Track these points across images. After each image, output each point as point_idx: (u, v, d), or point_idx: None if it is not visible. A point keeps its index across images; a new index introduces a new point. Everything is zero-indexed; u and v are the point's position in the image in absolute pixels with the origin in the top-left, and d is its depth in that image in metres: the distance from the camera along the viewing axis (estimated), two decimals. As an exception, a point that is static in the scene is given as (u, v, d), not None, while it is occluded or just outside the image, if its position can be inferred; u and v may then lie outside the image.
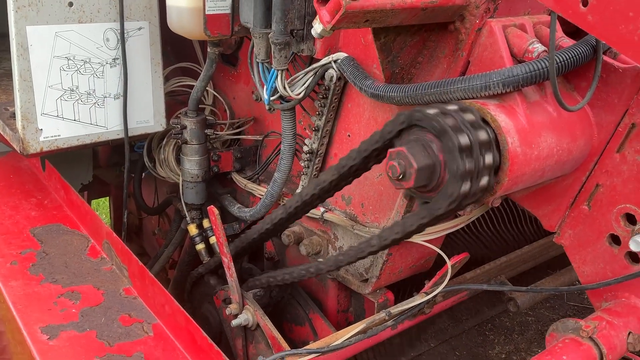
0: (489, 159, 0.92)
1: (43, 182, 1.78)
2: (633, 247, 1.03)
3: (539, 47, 0.99)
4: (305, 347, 1.16)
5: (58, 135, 1.51)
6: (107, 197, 2.95)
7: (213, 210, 1.34)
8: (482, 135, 0.93)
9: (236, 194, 1.80)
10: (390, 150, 0.94)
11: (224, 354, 1.00)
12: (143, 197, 2.14)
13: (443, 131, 0.89)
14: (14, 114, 1.52)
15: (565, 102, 0.98)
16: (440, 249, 1.34)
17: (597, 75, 1.00)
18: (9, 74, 1.94)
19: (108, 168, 2.33)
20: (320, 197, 1.22)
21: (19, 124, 1.46)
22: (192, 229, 1.73)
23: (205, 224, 1.75)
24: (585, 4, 0.83)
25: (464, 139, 0.90)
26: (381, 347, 2.08)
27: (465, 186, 0.91)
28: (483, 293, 2.27)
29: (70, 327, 1.17)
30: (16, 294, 1.25)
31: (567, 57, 0.96)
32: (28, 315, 1.19)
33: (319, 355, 1.18)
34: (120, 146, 2.07)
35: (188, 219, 1.72)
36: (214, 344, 1.04)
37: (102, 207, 4.07)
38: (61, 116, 1.51)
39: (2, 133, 1.58)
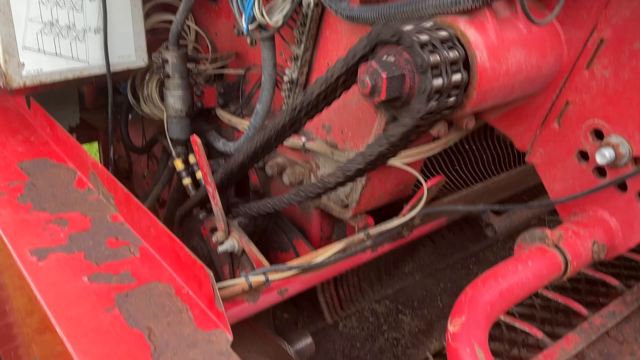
0: (456, 73, 0.95)
1: (29, 120, 1.79)
2: (599, 159, 1.07)
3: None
4: (286, 264, 1.21)
5: (40, 70, 1.52)
6: (96, 142, 2.97)
7: (195, 139, 1.36)
8: (452, 50, 0.95)
9: (221, 129, 1.83)
10: (361, 64, 0.96)
11: (206, 266, 1.05)
12: (130, 139, 2.16)
13: (410, 44, 0.91)
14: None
15: (534, 17, 1.00)
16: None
17: (565, -10, 1.01)
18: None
19: (95, 111, 2.33)
20: (291, 127, 1.25)
21: (0, 58, 1.47)
22: (179, 164, 1.76)
23: (191, 159, 1.78)
24: None
25: (433, 57, 0.92)
26: (367, 280, 2.15)
27: (434, 100, 0.94)
28: (467, 229, 2.33)
29: (58, 250, 1.21)
30: (5, 221, 1.29)
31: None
32: (17, 239, 1.23)
33: (299, 272, 1.23)
34: (105, 88, 2.09)
35: (174, 154, 1.75)
36: (197, 259, 1.08)
37: (91, 152, 4.08)
38: (42, 50, 1.51)
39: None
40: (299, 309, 2.00)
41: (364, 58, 1.00)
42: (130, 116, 2.14)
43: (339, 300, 1.82)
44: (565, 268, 1.04)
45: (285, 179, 1.53)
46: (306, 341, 1.59)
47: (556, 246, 1.04)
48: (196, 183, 1.78)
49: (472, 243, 2.35)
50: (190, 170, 1.77)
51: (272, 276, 1.19)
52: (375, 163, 1.09)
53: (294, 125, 1.25)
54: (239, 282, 1.17)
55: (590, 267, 1.83)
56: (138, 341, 1.00)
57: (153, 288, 1.13)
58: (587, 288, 1.77)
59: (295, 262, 1.24)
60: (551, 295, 1.62)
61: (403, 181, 1.45)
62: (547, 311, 1.76)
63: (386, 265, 2.10)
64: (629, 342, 1.50)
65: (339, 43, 1.34)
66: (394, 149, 1.05)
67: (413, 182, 1.49)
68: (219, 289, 1.17)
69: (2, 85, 1.50)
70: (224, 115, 1.72)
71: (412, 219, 1.39)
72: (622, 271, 1.84)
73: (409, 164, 1.36)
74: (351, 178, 1.15)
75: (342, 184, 1.19)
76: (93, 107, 2.32)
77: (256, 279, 1.17)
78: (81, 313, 1.05)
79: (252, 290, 1.27)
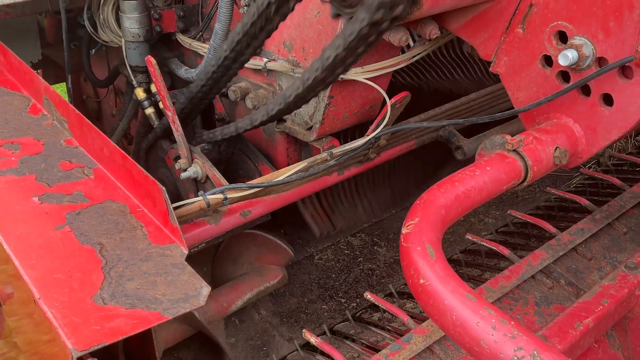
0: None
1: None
2: (562, 61, 1.03)
3: None
4: (246, 183, 1.18)
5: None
6: (64, 84, 2.89)
7: (150, 59, 1.31)
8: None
9: (184, 57, 1.76)
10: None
11: (159, 183, 1.02)
12: (95, 74, 2.09)
13: None
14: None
15: None
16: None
17: None
18: None
19: (57, 45, 2.25)
20: (248, 44, 1.19)
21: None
22: (140, 93, 1.70)
23: (153, 88, 1.72)
24: None
25: None
26: (344, 214, 2.14)
27: (382, 7, 0.89)
28: (439, 155, 2.30)
29: (9, 173, 1.17)
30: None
31: None
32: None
33: (259, 191, 1.20)
34: (68, 19, 2.00)
35: (135, 83, 1.69)
36: (149, 175, 1.04)
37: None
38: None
39: None
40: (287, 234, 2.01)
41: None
42: (93, 50, 2.07)
43: (325, 213, 1.81)
44: (525, 173, 1.02)
45: (249, 102, 1.48)
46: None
47: (515, 151, 1.02)
48: (160, 113, 1.73)
49: (445, 169, 2.31)
50: (152, 100, 1.71)
51: (231, 195, 1.16)
52: (334, 69, 1.05)
53: (252, 42, 1.20)
54: (197, 201, 1.14)
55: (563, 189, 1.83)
56: (89, 256, 0.97)
57: (107, 207, 1.10)
58: (560, 214, 1.77)
59: (255, 182, 1.21)
60: (520, 215, 1.62)
61: (369, 101, 1.41)
62: (521, 237, 1.76)
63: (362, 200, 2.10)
64: (597, 258, 1.51)
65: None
66: (352, 52, 1.00)
67: (380, 102, 1.45)
68: (176, 208, 1.14)
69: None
70: (184, 40, 1.66)
71: (377, 139, 1.36)
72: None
73: (374, 80, 1.32)
74: (311, 88, 1.11)
75: (301, 97, 1.15)
76: (55, 41, 2.22)
77: (214, 197, 1.14)
78: (30, 231, 1.02)
79: (213, 212, 1.24)
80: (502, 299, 1.31)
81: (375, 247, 2.30)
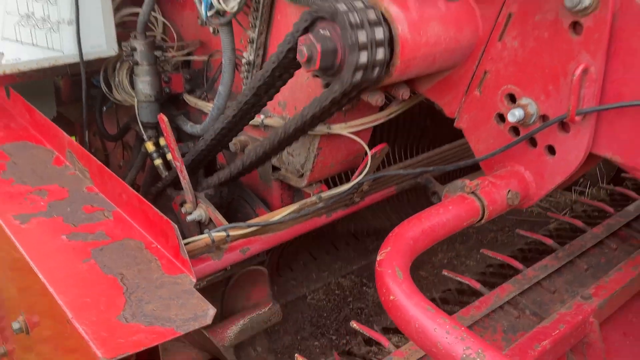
0: (380, 50, 1.11)
1: (8, 109, 1.92)
2: (511, 119, 1.23)
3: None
4: (246, 222, 1.36)
5: (19, 59, 1.66)
6: (74, 136, 3.09)
7: (163, 117, 1.51)
8: (377, 27, 1.11)
9: (189, 114, 1.97)
10: (300, 37, 1.12)
11: (172, 222, 1.19)
12: (106, 129, 2.29)
13: (342, 23, 1.07)
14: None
15: (449, -5, 1.17)
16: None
17: (474, -29, 1.18)
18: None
19: (71, 104, 2.46)
20: (252, 107, 1.40)
21: (-19, 47, 1.60)
22: (150, 146, 1.90)
23: (162, 142, 1.92)
24: None
25: (361, 37, 1.08)
26: (334, 259, 2.31)
27: (359, 72, 1.10)
28: (422, 201, 2.49)
29: (39, 215, 1.34)
30: (2, 191, 1.42)
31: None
32: (1, 207, 1.36)
33: (257, 229, 1.38)
34: (81, 81, 2.22)
35: (145, 137, 1.89)
36: (164, 215, 1.22)
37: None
38: (20, 41, 1.65)
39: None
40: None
41: (306, 30, 1.16)
42: (104, 108, 2.27)
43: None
44: (482, 212, 1.21)
45: (247, 153, 1.67)
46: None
47: (474, 193, 1.20)
48: (167, 164, 1.92)
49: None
50: (161, 152, 1.91)
51: (233, 232, 1.34)
52: (311, 123, 1.25)
53: (256, 104, 1.40)
54: (203, 238, 1.32)
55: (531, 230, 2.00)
56: (112, 284, 1.14)
57: (125, 244, 1.27)
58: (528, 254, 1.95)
59: (254, 221, 1.39)
60: (491, 253, 1.79)
61: (353, 152, 1.61)
62: (498, 276, 1.92)
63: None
64: (560, 292, 1.68)
65: (288, 26, 1.48)
66: (326, 112, 1.20)
67: (362, 152, 1.65)
68: (185, 244, 1.31)
69: (-18, 72, 1.63)
70: (190, 99, 1.87)
71: (361, 184, 1.55)
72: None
73: (357, 134, 1.52)
74: (290, 136, 1.31)
75: (282, 141, 1.34)
76: (69, 100, 2.44)
77: (218, 234, 1.32)
78: (61, 264, 1.19)
79: (216, 249, 1.42)
80: (473, 326, 1.47)
81: (364, 288, 2.45)
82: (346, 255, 2.48)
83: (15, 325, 1.32)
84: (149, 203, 1.27)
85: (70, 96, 2.41)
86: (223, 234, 1.32)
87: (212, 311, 1.08)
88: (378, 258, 1.04)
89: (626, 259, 1.70)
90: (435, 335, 0.89)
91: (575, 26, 1.13)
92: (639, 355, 1.65)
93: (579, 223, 1.91)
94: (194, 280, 1.16)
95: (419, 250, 1.10)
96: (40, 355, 1.32)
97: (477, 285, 1.58)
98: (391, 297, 0.96)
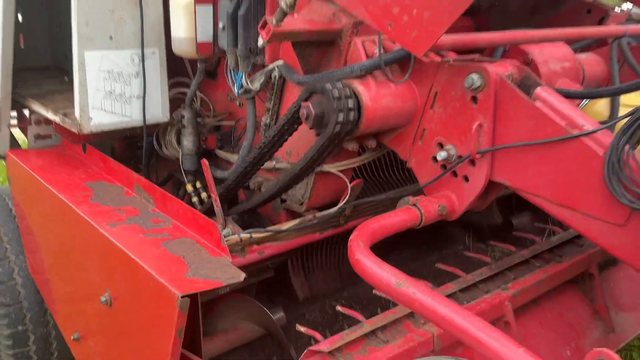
0: (351, 114, 1.77)
1: (84, 161, 2.58)
2: (439, 158, 1.88)
3: (380, 51, 1.86)
4: (263, 228, 1.99)
5: (102, 122, 2.33)
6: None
7: (205, 161, 2.15)
8: (350, 99, 1.78)
9: (219, 164, 2.63)
10: (302, 103, 1.79)
11: (215, 223, 1.81)
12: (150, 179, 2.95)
13: (325, 93, 1.75)
14: (65, 113, 2.36)
15: (396, 80, 1.85)
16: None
17: (411, 66, 1.87)
18: (53, 91, 2.78)
19: (122, 161, 3.13)
20: (268, 152, 2.06)
21: (77, 114, 2.28)
22: (189, 187, 2.54)
23: (197, 184, 2.56)
24: (390, 25, 1.71)
25: (338, 105, 1.74)
26: (321, 283, 2.87)
27: (337, 127, 1.76)
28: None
29: (122, 224, 1.97)
30: (85, 210, 2.05)
31: (393, 57, 1.83)
32: (96, 219, 1.99)
33: (271, 234, 2.00)
34: (131, 143, 2.90)
35: (186, 181, 2.54)
36: (210, 221, 1.84)
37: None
38: (104, 109, 2.33)
39: (61, 123, 2.40)
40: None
41: (306, 99, 1.83)
42: (153, 161, 2.94)
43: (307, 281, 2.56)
44: (420, 218, 1.83)
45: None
46: (279, 314, 2.33)
47: (415, 205, 1.83)
48: (201, 202, 2.56)
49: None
50: (197, 192, 2.55)
51: (254, 235, 1.96)
52: (310, 165, 1.90)
53: (270, 150, 2.06)
54: (234, 237, 1.94)
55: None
56: (178, 260, 1.75)
57: (183, 240, 1.89)
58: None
59: (270, 228, 2.02)
60: (443, 267, 2.39)
61: (340, 186, 2.24)
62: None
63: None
64: (490, 291, 2.26)
65: (294, 98, 2.17)
66: (319, 156, 1.86)
67: (346, 185, 2.29)
68: (222, 242, 1.93)
69: (76, 131, 2.30)
70: (221, 153, 2.54)
71: (343, 209, 2.18)
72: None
73: (342, 172, 2.16)
74: (296, 176, 1.95)
75: (291, 180, 1.98)
76: (121, 158, 3.11)
77: (244, 236, 1.94)
78: (143, 249, 1.80)
79: (241, 250, 2.03)
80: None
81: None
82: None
83: (102, 299, 1.92)
84: (199, 212, 1.90)
85: (122, 154, 3.09)
86: (247, 235, 1.94)
87: (242, 275, 1.68)
88: (350, 238, 1.66)
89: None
90: (382, 276, 1.50)
91: (474, 99, 1.80)
92: (549, 341, 2.21)
93: (512, 248, 2.53)
94: (230, 259, 1.78)
95: (377, 238, 1.72)
96: (121, 321, 1.91)
97: (429, 284, 2.18)
98: (355, 257, 1.57)
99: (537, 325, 2.22)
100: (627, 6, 3.17)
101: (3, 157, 2.78)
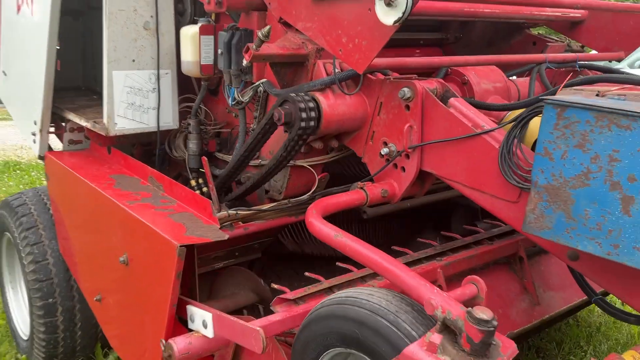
0: (312, 120, 2.34)
1: (108, 160, 3.18)
2: (383, 153, 2.43)
3: (339, 70, 2.43)
4: (241, 207, 2.54)
5: (124, 127, 2.93)
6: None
7: (204, 159, 2.72)
8: (311, 104, 2.34)
9: (217, 164, 3.20)
10: (276, 109, 2.36)
11: (210, 200, 2.37)
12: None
13: (292, 100, 2.32)
14: (95, 121, 2.96)
15: (349, 92, 2.42)
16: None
17: (360, 82, 2.44)
18: (84, 105, 3.40)
19: (139, 164, 3.72)
20: (253, 149, 2.63)
21: (105, 120, 2.88)
22: (193, 183, 3.10)
23: (200, 180, 3.13)
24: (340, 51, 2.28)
25: (303, 112, 2.31)
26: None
27: (301, 129, 2.32)
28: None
29: (138, 202, 2.54)
30: (109, 193, 2.63)
31: (345, 75, 2.40)
32: (118, 199, 2.56)
33: (254, 213, 2.55)
34: (147, 151, 3.49)
35: (191, 177, 3.11)
36: (205, 198, 2.40)
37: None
38: (126, 117, 2.93)
39: (92, 128, 3.00)
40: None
41: (279, 107, 2.40)
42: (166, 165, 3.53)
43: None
44: (366, 199, 2.37)
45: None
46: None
47: (362, 188, 2.38)
48: (202, 194, 3.12)
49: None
50: (199, 186, 3.11)
51: (241, 212, 2.52)
52: (282, 160, 2.46)
53: (256, 147, 2.62)
54: (224, 212, 2.49)
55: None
56: (180, 226, 2.31)
57: (184, 213, 2.45)
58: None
59: (253, 208, 2.57)
60: (397, 248, 2.91)
61: (312, 179, 2.80)
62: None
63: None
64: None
65: (276, 110, 2.74)
66: (288, 153, 2.42)
67: (324, 179, 2.84)
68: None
69: (104, 134, 2.90)
70: (219, 155, 3.11)
71: (314, 197, 2.73)
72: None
73: (312, 167, 2.72)
74: (273, 166, 2.51)
75: (269, 171, 2.54)
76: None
77: (232, 212, 2.50)
78: (154, 218, 2.36)
79: (230, 224, 2.58)
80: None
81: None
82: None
83: (121, 259, 2.48)
84: (197, 193, 2.47)
85: (140, 159, 3.68)
86: (234, 212, 2.49)
87: (226, 236, 2.24)
88: (307, 208, 2.21)
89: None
90: (327, 233, 2.05)
91: (407, 107, 2.35)
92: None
93: (457, 236, 3.05)
94: (219, 226, 2.33)
95: (328, 211, 2.26)
96: (135, 276, 2.46)
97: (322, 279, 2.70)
98: (309, 220, 2.12)
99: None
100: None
101: (42, 158, 3.38)
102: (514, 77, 3.14)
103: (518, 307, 2.82)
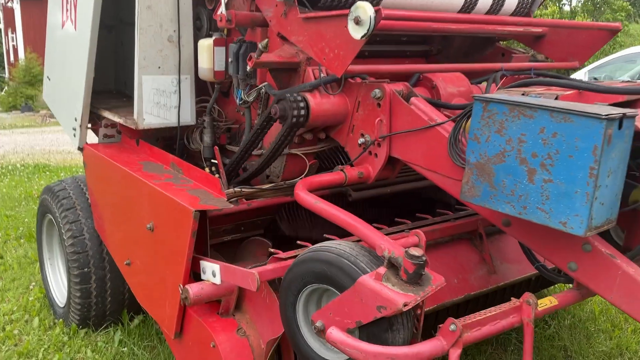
0: (302, 110, 2.92)
1: (137, 150, 3.79)
2: (360, 142, 2.99)
3: (325, 74, 3.01)
4: (245, 185, 3.13)
5: (151, 122, 3.53)
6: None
7: (216, 148, 3.31)
8: (302, 103, 2.92)
9: (227, 154, 3.79)
10: (274, 105, 2.94)
11: (220, 179, 2.95)
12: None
13: (286, 99, 2.90)
14: (126, 117, 3.58)
15: (332, 92, 3.00)
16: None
17: (342, 84, 3.02)
18: (117, 105, 4.02)
19: (161, 158, 4.34)
20: (255, 140, 3.21)
21: (135, 116, 3.49)
22: (207, 170, 3.70)
23: (213, 169, 3.71)
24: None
25: (296, 110, 2.89)
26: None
27: (294, 118, 2.90)
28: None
29: (162, 181, 3.13)
30: (139, 174, 3.23)
31: (329, 79, 2.98)
32: (146, 178, 3.16)
33: (255, 191, 3.13)
34: (168, 145, 4.09)
35: (205, 165, 3.70)
36: (216, 177, 2.98)
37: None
38: (151, 114, 3.53)
39: (124, 123, 3.61)
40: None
41: (276, 104, 2.98)
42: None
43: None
44: (345, 179, 2.94)
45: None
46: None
47: (342, 170, 2.95)
48: (215, 180, 3.71)
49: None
50: (212, 173, 3.70)
51: (244, 190, 3.10)
52: (277, 148, 3.04)
53: (259, 137, 3.21)
54: (231, 190, 3.08)
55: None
56: (195, 197, 2.89)
57: (199, 189, 3.04)
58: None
59: (255, 187, 3.16)
60: (376, 225, 3.46)
61: (304, 165, 3.37)
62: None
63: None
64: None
65: (275, 108, 3.33)
66: (283, 143, 2.99)
67: (315, 166, 3.41)
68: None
69: (134, 127, 3.51)
70: (229, 147, 3.70)
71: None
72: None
73: (305, 155, 3.29)
74: (271, 153, 3.09)
75: (268, 157, 3.12)
76: (160, 155, 4.31)
77: (237, 189, 3.08)
78: (175, 192, 2.96)
79: (236, 200, 3.16)
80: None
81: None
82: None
83: (148, 226, 3.07)
84: (209, 174, 3.06)
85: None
86: (239, 189, 3.08)
87: (231, 205, 2.82)
88: (296, 184, 2.78)
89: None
90: (307, 199, 2.62)
91: (378, 104, 2.92)
92: (442, 270, 3.24)
93: (429, 217, 3.60)
94: (225, 199, 2.92)
95: (313, 187, 2.83)
96: (159, 240, 3.05)
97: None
98: (296, 192, 2.70)
99: (435, 260, 3.26)
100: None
101: (81, 149, 4.01)
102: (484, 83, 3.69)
103: (476, 274, 3.36)
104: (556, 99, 2.64)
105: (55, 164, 11.06)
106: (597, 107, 2.24)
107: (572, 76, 15.38)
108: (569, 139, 2.13)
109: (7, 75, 33.38)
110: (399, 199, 4.02)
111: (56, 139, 14.50)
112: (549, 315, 4.46)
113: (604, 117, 2.04)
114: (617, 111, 2.13)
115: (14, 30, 29.14)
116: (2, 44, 32.96)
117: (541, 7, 24.66)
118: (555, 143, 2.16)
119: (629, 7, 25.05)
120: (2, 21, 34.65)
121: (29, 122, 19.82)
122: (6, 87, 28.52)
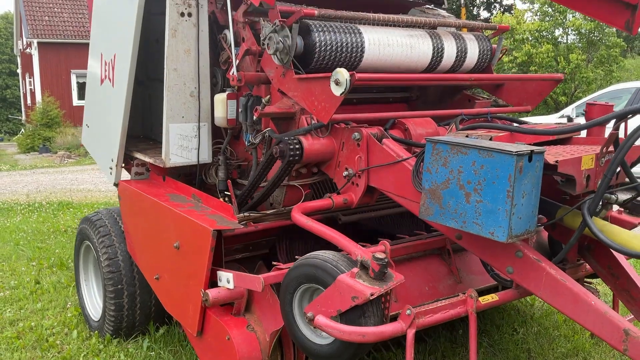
0: (298, 148, 3.68)
1: (164, 185, 4.56)
2: (345, 174, 3.75)
3: (315, 121, 3.78)
4: (252, 211, 3.87)
5: (176, 161, 4.31)
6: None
7: (229, 182, 4.08)
8: (297, 145, 3.69)
9: (237, 187, 4.54)
10: (274, 147, 3.71)
11: (232, 205, 3.69)
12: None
13: (284, 141, 3.67)
14: (155, 157, 4.36)
15: (322, 135, 3.77)
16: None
17: (329, 129, 3.79)
18: (145, 148, 4.83)
19: (182, 191, 5.11)
20: (261, 175, 3.98)
21: (163, 156, 4.27)
22: (222, 199, 4.45)
23: (226, 199, 4.47)
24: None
25: (292, 150, 3.66)
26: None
27: (291, 156, 3.67)
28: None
29: (185, 208, 3.89)
30: (166, 204, 3.99)
31: (318, 125, 3.75)
32: (173, 207, 3.91)
33: (260, 216, 3.88)
34: (188, 180, 4.87)
35: (220, 195, 4.45)
36: (226, 203, 3.73)
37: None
38: (177, 155, 4.32)
39: (153, 162, 4.40)
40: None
41: (277, 145, 3.74)
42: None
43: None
44: (332, 204, 3.68)
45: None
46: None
47: (329, 197, 3.69)
48: (228, 209, 4.46)
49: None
50: (226, 201, 4.45)
51: (252, 215, 3.85)
52: (278, 180, 3.79)
53: (263, 173, 3.97)
54: (241, 215, 3.82)
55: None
56: (213, 220, 3.64)
57: (215, 214, 3.79)
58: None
59: (259, 213, 3.90)
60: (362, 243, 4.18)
61: (300, 194, 4.11)
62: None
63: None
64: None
65: (277, 148, 4.10)
66: (282, 176, 3.75)
67: (303, 194, 4.15)
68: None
69: (162, 166, 4.29)
70: (239, 181, 4.46)
71: (302, 207, 4.05)
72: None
73: (302, 186, 4.04)
74: (272, 185, 3.84)
75: (270, 188, 3.87)
76: (181, 189, 5.08)
77: (246, 214, 3.83)
78: (197, 216, 3.70)
79: (245, 223, 3.90)
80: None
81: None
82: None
83: (174, 245, 3.82)
84: (222, 201, 3.81)
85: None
86: (248, 214, 3.82)
87: (241, 226, 3.57)
88: (292, 208, 3.53)
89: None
90: (301, 219, 3.37)
91: (357, 144, 3.68)
92: (415, 280, 3.94)
93: (406, 236, 4.32)
94: (237, 221, 3.67)
95: (306, 211, 3.57)
96: (183, 256, 3.79)
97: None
98: (292, 214, 3.45)
99: (409, 271, 3.96)
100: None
101: (116, 185, 4.79)
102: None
103: (444, 283, 4.06)
104: (491, 139, 3.40)
105: (77, 201, 11.88)
106: (515, 145, 2.99)
107: (563, 111, 16.20)
108: (492, 170, 2.87)
109: (23, 117, 34.72)
110: (382, 222, 4.75)
111: (75, 179, 15.40)
112: (518, 323, 5.12)
113: (514, 153, 2.78)
114: (527, 148, 2.88)
115: (31, 75, 30.52)
116: (18, 87, 34.36)
117: (536, 44, 25.38)
118: (482, 173, 2.90)
119: (623, 42, 25.97)
120: (20, 66, 36.22)
121: (48, 162, 20.83)
122: (23, 130, 29.73)
